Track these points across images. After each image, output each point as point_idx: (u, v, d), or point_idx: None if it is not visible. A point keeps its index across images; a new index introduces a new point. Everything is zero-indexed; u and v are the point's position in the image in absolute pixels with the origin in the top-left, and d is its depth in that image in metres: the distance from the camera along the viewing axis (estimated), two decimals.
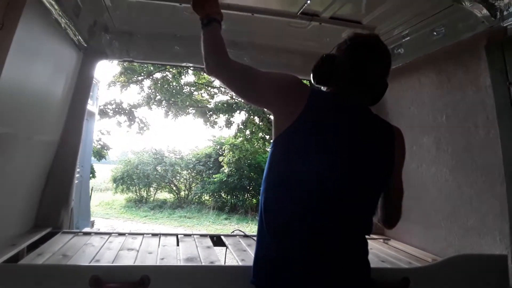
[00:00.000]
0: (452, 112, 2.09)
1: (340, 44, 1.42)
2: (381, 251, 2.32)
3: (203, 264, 1.84)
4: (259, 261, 1.31)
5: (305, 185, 1.25)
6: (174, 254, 2.01)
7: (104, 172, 15.97)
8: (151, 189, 14.93)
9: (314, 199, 1.25)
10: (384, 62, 1.40)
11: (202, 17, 1.44)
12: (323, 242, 1.24)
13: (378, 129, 1.41)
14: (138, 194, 14.74)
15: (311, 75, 1.44)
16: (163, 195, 15.05)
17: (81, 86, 2.45)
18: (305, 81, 1.62)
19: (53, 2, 1.73)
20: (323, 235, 1.24)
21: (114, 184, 14.92)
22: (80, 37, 2.22)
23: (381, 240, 2.59)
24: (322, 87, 1.46)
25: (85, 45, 2.35)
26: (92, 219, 5.25)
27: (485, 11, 1.70)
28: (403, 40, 2.28)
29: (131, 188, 14.75)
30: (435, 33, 2.03)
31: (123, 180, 14.63)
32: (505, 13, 1.65)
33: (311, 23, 2.25)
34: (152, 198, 14.74)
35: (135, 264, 1.78)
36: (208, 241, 2.34)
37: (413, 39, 2.21)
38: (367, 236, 1.38)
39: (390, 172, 1.40)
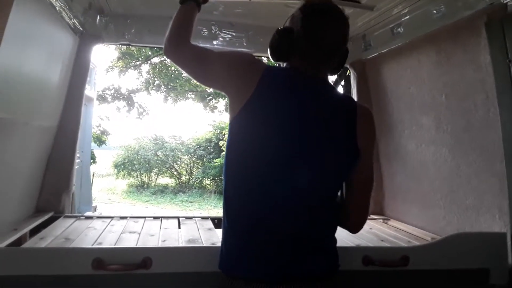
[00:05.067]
0: (452, 91, 2.08)
1: (293, 15, 1.30)
2: (380, 230, 2.34)
3: (204, 245, 1.85)
4: (222, 252, 1.26)
5: (262, 173, 1.19)
6: (176, 236, 2.02)
7: (105, 158, 16.01)
8: (152, 174, 14.98)
9: (272, 187, 1.18)
10: (340, 28, 1.27)
11: None
12: (288, 235, 1.17)
13: (337, 105, 1.30)
14: (139, 180, 14.80)
15: (268, 52, 1.34)
16: (165, 180, 15.12)
17: (78, 70, 2.43)
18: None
19: None
20: (287, 227, 1.17)
21: (116, 170, 14.97)
22: (75, 21, 2.20)
23: (381, 220, 2.61)
24: (282, 64, 1.36)
25: (81, 28, 2.32)
26: (94, 204, 5.27)
27: None
28: (403, 19, 2.25)
29: (132, 173, 14.81)
30: (434, 11, 2.00)
31: (124, 166, 14.68)
32: None
33: None
34: (153, 183, 14.81)
35: (137, 246, 1.80)
36: (210, 224, 2.35)
37: (413, 18, 2.18)
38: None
39: (353, 153, 1.25)
